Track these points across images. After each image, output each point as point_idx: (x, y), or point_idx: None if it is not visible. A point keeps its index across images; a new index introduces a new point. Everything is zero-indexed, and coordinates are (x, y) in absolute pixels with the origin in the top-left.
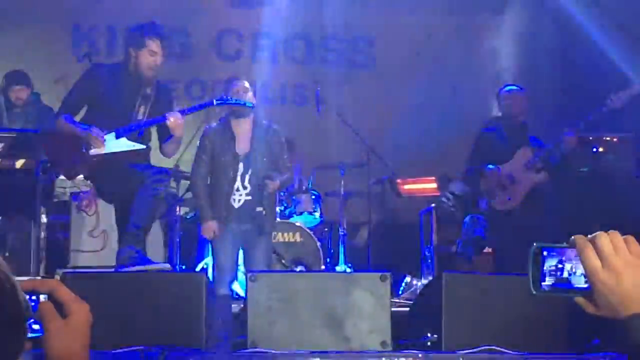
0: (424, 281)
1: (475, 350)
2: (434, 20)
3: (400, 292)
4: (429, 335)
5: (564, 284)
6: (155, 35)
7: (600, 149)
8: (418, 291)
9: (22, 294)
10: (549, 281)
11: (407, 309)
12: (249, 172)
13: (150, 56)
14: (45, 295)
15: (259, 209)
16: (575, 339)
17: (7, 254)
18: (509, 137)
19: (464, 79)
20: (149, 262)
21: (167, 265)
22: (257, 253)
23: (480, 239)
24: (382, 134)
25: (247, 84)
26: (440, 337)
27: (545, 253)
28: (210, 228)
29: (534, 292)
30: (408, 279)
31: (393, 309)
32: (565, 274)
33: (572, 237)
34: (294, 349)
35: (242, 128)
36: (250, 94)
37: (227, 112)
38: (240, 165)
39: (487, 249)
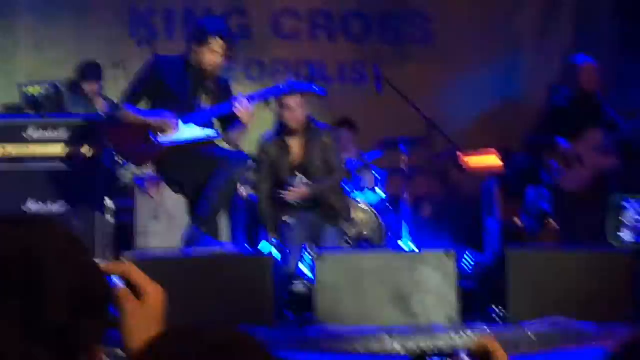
0: (488, 255)
1: (541, 321)
2: None
3: (464, 266)
4: (495, 308)
5: None
6: (219, 35)
7: None
8: (483, 266)
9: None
10: (627, 233)
11: (473, 283)
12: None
13: (211, 54)
14: (119, 279)
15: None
16: None
17: None
18: (581, 112)
19: (524, 50)
20: (216, 243)
21: (233, 247)
22: (327, 237)
23: (544, 211)
24: (442, 108)
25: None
26: (506, 311)
27: (626, 205)
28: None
29: (614, 242)
30: (471, 253)
31: (458, 283)
32: None
33: None
34: (361, 325)
35: (295, 138)
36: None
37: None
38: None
39: (551, 222)
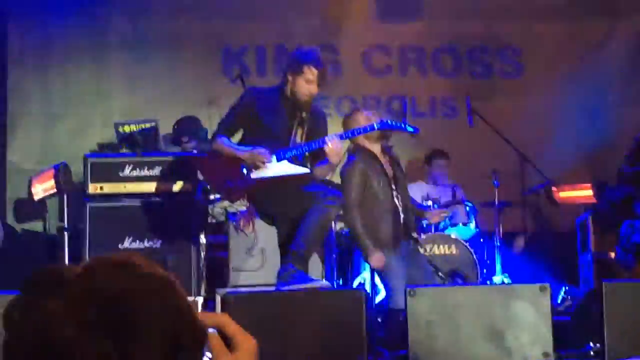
0: (582, 290)
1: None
2: (580, 24)
3: (558, 302)
4: (591, 345)
5: None
6: (313, 64)
7: None
8: (577, 301)
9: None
10: None
11: (568, 318)
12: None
13: (306, 83)
14: (213, 329)
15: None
16: None
17: None
18: None
19: (615, 81)
20: (309, 280)
21: (327, 283)
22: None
23: (638, 245)
24: (534, 142)
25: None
26: (603, 347)
27: None
28: (378, 260)
29: None
30: (566, 288)
31: (553, 319)
32: None
33: None
34: None
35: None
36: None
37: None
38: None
39: None
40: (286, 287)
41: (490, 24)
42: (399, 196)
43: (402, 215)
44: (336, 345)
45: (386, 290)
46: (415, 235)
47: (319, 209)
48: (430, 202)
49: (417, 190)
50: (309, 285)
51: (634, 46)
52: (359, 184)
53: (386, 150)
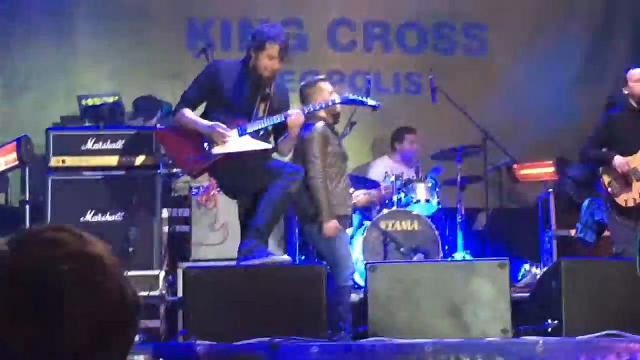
0: (543, 267)
1: (596, 335)
2: (545, 1)
3: (519, 278)
4: (549, 321)
5: None
6: (275, 40)
7: None
8: (537, 277)
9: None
10: None
11: (527, 295)
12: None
13: (269, 59)
14: None
15: None
16: None
17: (130, 249)
18: (637, 124)
19: (578, 59)
20: (270, 254)
21: (288, 258)
22: None
23: (599, 222)
24: (497, 119)
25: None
26: (561, 323)
27: None
28: (332, 228)
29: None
30: (527, 265)
31: (512, 296)
32: None
33: None
34: (414, 338)
35: None
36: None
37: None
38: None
39: (607, 233)
40: (246, 262)
41: (455, 0)
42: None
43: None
44: (296, 320)
45: (332, 265)
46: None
47: (279, 184)
48: (393, 178)
49: (381, 166)
50: (269, 259)
51: (597, 24)
52: (320, 146)
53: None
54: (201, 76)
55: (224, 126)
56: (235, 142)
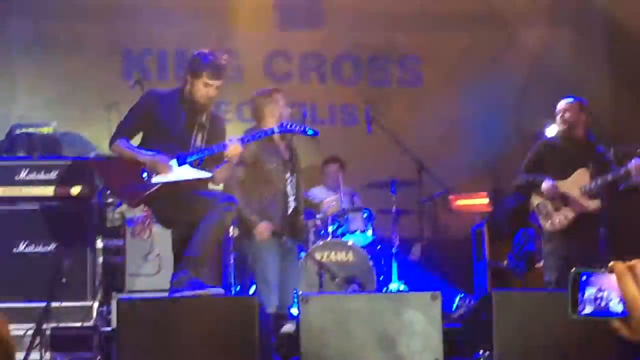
0: (477, 297)
1: None
2: (479, 36)
3: (453, 309)
4: (481, 352)
5: (601, 311)
6: (211, 68)
7: None
8: (470, 308)
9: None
10: (588, 308)
11: (460, 325)
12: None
13: (205, 87)
14: None
15: (301, 218)
16: (627, 355)
17: (64, 280)
18: (568, 152)
19: (515, 93)
20: (203, 286)
21: (221, 290)
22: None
23: (531, 253)
24: (432, 151)
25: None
26: (492, 355)
27: (584, 278)
28: (264, 228)
29: (572, 317)
30: (461, 295)
31: (446, 327)
32: (604, 302)
33: (611, 263)
34: None
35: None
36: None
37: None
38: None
39: (539, 264)
40: (179, 294)
41: (391, 33)
42: (292, 183)
43: (292, 204)
44: (229, 353)
45: (254, 285)
46: (298, 235)
47: (213, 215)
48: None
49: (317, 195)
50: (201, 292)
51: (530, 59)
52: (245, 162)
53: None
54: (136, 106)
55: (164, 156)
56: (175, 171)
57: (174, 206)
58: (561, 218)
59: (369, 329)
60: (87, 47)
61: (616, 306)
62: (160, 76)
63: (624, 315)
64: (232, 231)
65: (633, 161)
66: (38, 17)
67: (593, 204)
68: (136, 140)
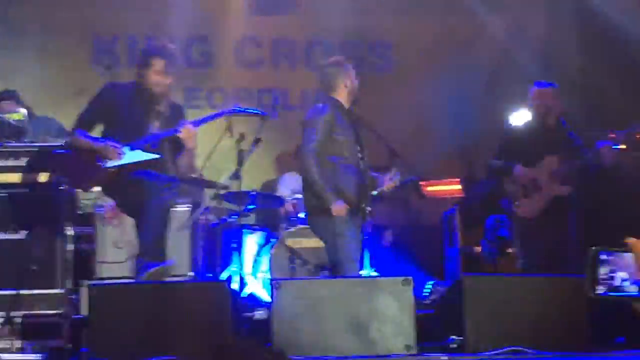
0: (448, 283)
1: (500, 351)
2: (452, 22)
3: (425, 295)
4: (453, 337)
5: (616, 291)
6: (159, 56)
7: (622, 146)
8: (442, 294)
9: None
10: (601, 288)
11: (432, 311)
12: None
13: (156, 75)
14: None
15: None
16: (600, 337)
17: (34, 268)
18: (540, 138)
19: (487, 79)
20: (154, 265)
21: (172, 262)
22: None
23: (503, 239)
24: (404, 137)
25: None
26: (464, 340)
27: (602, 257)
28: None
29: (591, 296)
30: (432, 281)
31: (417, 312)
32: (618, 281)
33: (629, 240)
34: (319, 355)
35: None
36: None
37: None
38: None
39: (511, 249)
40: (151, 280)
41: (363, 18)
42: (364, 158)
43: (363, 181)
44: (201, 338)
45: (330, 262)
46: (368, 208)
47: (155, 197)
48: (301, 195)
49: (289, 182)
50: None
51: (501, 44)
52: (321, 131)
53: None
54: (95, 98)
55: (117, 144)
56: (127, 156)
57: (128, 192)
58: (533, 204)
59: (340, 314)
60: (58, 32)
61: (630, 287)
62: (130, 62)
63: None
64: (204, 218)
65: (601, 143)
66: (8, 2)
67: (563, 189)
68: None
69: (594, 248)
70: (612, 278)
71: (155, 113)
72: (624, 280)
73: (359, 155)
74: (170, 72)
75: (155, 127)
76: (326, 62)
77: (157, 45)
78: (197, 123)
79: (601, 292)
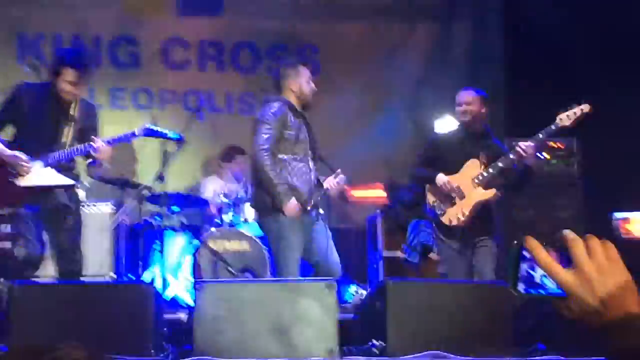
0: (371, 288)
1: (421, 355)
2: (379, 27)
3: (347, 299)
4: (375, 342)
5: (537, 288)
6: (71, 67)
7: (545, 155)
8: (365, 298)
9: None
10: (522, 286)
11: (355, 316)
12: None
13: (66, 85)
14: None
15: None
16: (520, 343)
17: None
18: (466, 146)
19: (409, 84)
20: None
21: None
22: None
23: (426, 244)
24: (328, 141)
25: None
26: (386, 344)
27: (524, 253)
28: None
29: (514, 293)
30: (355, 286)
31: (340, 316)
32: (539, 278)
33: (566, 233)
34: (240, 357)
35: None
36: None
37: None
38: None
39: (434, 255)
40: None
41: (290, 23)
42: (315, 159)
43: (314, 180)
44: (122, 338)
45: (272, 261)
46: (321, 210)
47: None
48: (224, 199)
49: (211, 185)
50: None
51: (428, 51)
52: (274, 129)
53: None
54: (5, 98)
55: (25, 158)
56: (40, 174)
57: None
58: (458, 212)
59: (263, 317)
60: None
61: (550, 283)
62: None
63: (563, 295)
64: (125, 219)
65: (521, 143)
66: None
67: (487, 194)
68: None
69: (515, 243)
70: (532, 275)
71: (65, 119)
72: (544, 276)
73: (310, 155)
74: (82, 83)
75: (65, 133)
76: (280, 63)
77: (73, 53)
78: (110, 142)
79: (522, 289)
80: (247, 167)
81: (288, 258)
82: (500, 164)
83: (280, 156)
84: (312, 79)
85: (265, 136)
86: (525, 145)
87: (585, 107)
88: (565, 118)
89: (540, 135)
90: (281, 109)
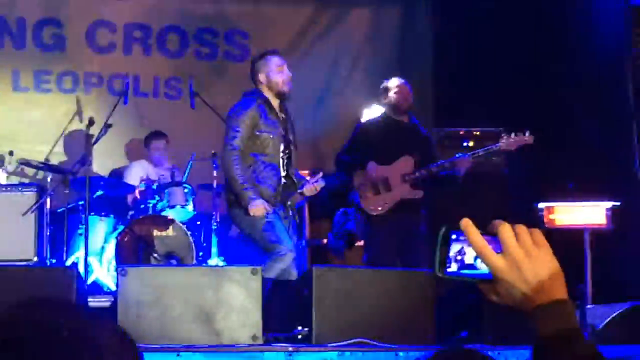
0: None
1: (345, 343)
2: (310, 10)
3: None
4: (299, 328)
5: (466, 271)
6: None
7: (471, 144)
8: (289, 284)
9: None
10: (453, 266)
11: (280, 302)
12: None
13: None
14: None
15: None
16: (444, 331)
17: None
18: (393, 135)
19: (340, 71)
20: None
21: None
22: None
23: (351, 232)
24: None
25: None
26: (311, 331)
27: (454, 236)
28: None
29: (438, 275)
30: None
31: (265, 303)
32: (470, 259)
33: (497, 224)
34: (164, 343)
35: None
36: None
37: None
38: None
39: (359, 243)
40: None
41: (219, 6)
42: (289, 156)
43: (282, 178)
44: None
45: (260, 253)
46: (292, 212)
47: None
48: (151, 184)
49: (138, 170)
50: None
51: (361, 35)
52: (245, 127)
53: (284, 108)
54: None
55: None
56: None
57: None
58: (381, 202)
59: (187, 302)
60: None
61: (481, 264)
62: None
63: (490, 278)
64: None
65: (460, 156)
66: None
67: (414, 193)
68: None
69: (444, 226)
70: (463, 256)
71: None
72: (476, 258)
73: (282, 152)
74: None
75: None
76: (254, 56)
77: None
78: None
79: (453, 270)
80: (165, 151)
81: (275, 228)
82: (433, 169)
83: (249, 154)
84: (283, 65)
85: (234, 134)
86: (463, 161)
87: (530, 139)
88: (510, 143)
89: (480, 153)
90: (250, 105)
